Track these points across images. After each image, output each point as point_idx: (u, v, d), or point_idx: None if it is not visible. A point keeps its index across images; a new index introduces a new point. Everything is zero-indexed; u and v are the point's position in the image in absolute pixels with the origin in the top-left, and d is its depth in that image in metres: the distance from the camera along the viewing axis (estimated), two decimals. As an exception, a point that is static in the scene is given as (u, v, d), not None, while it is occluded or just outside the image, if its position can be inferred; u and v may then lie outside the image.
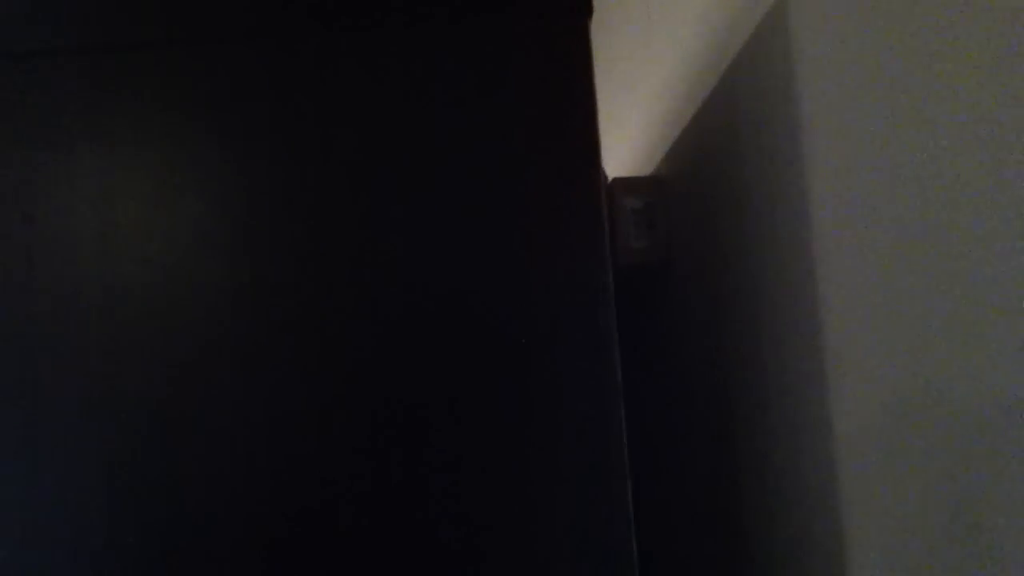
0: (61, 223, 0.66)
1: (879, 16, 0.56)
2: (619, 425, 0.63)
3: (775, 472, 0.77)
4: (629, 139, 1.37)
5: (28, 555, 0.63)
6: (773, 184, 0.75)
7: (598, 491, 0.63)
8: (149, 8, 0.68)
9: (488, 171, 0.66)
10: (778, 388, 0.75)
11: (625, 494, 0.63)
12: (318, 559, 0.63)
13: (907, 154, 0.54)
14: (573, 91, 0.66)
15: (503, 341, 0.64)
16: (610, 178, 1.10)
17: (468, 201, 0.66)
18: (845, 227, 0.62)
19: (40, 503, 0.64)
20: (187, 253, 0.66)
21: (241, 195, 0.66)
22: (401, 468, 0.63)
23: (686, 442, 1.04)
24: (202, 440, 0.64)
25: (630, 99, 1.36)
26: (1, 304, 0.66)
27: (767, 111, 0.75)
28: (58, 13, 0.68)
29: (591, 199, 0.65)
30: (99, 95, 0.67)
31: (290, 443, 0.64)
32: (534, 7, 0.67)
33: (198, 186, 0.66)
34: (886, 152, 0.56)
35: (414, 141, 0.66)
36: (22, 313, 0.65)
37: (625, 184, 1.09)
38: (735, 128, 0.83)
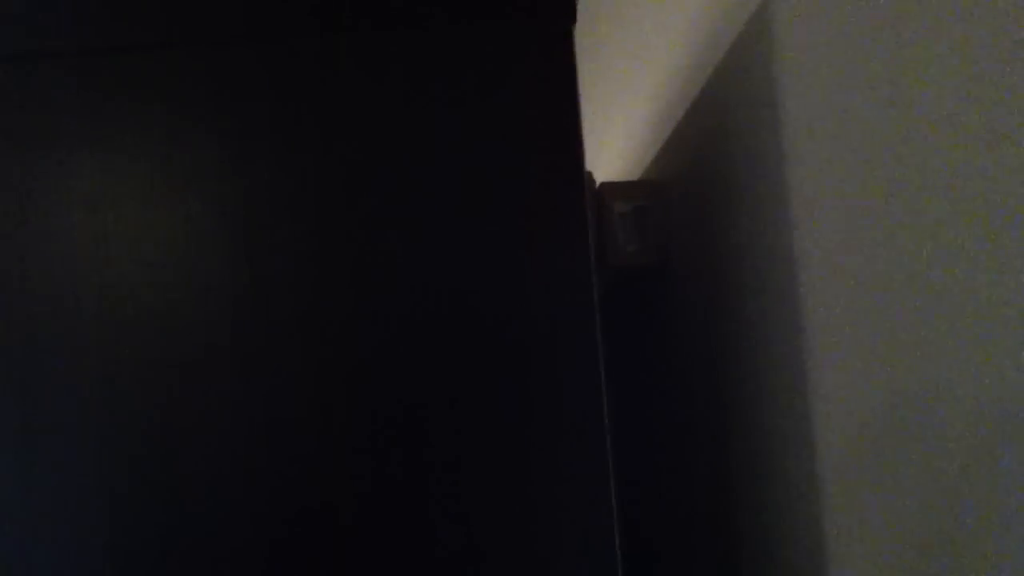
0: (57, 225, 0.67)
1: (863, 18, 0.57)
2: (601, 425, 0.64)
3: (767, 472, 0.77)
4: (619, 143, 1.37)
5: (26, 556, 0.63)
6: (761, 186, 0.75)
7: (578, 489, 0.63)
8: (145, 10, 0.68)
9: (471, 175, 0.66)
10: (769, 389, 0.76)
11: (607, 493, 0.63)
12: (317, 559, 0.63)
13: (893, 154, 0.54)
14: (557, 96, 0.66)
15: (487, 342, 0.65)
16: (599, 182, 1.10)
17: (450, 205, 0.66)
18: (833, 229, 0.63)
19: (36, 505, 0.64)
20: (184, 255, 0.66)
21: (238, 196, 0.66)
22: (392, 467, 0.64)
23: (679, 443, 1.04)
24: (199, 441, 0.64)
25: (619, 103, 1.36)
26: (-10, 309, 0.66)
27: (753, 113, 0.76)
28: (55, 15, 0.68)
29: (575, 202, 0.66)
30: (95, 97, 0.68)
31: (288, 443, 0.64)
32: (517, 13, 0.67)
33: (195, 188, 0.67)
34: (872, 152, 0.57)
35: (397, 147, 0.67)
36: (17, 315, 0.65)
37: (614, 188, 1.09)
38: (722, 131, 0.84)
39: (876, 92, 0.55)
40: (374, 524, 0.63)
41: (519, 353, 0.64)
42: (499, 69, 0.67)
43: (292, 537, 0.63)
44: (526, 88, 0.66)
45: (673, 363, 1.04)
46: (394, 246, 0.65)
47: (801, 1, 0.65)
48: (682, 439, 1.02)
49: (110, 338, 0.65)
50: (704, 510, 0.95)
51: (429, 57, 0.67)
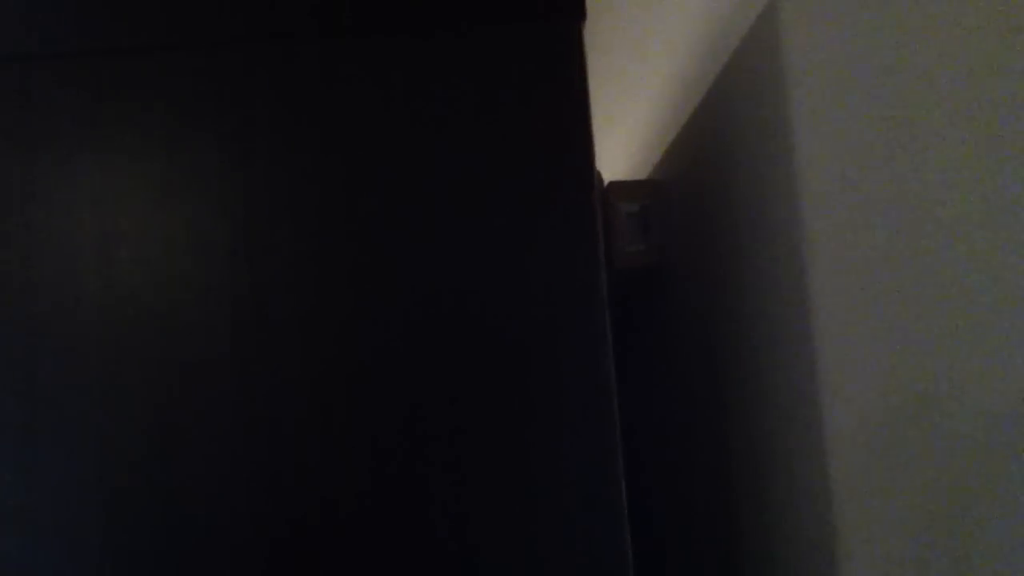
0: (58, 226, 0.67)
1: (870, 18, 0.57)
2: (613, 426, 0.63)
3: (770, 472, 0.77)
4: (626, 143, 1.37)
5: (26, 557, 0.63)
6: (767, 187, 0.75)
7: (592, 490, 0.63)
8: (146, 12, 0.68)
9: (483, 176, 0.66)
10: (773, 389, 0.75)
11: (619, 494, 0.63)
12: (316, 559, 0.63)
13: (900, 155, 0.54)
14: (567, 95, 0.66)
15: (497, 344, 0.64)
16: (606, 182, 1.10)
17: (462, 206, 0.66)
18: (839, 230, 0.62)
19: (38, 505, 0.64)
20: (185, 255, 0.66)
21: (239, 197, 0.66)
22: (398, 468, 0.64)
23: (683, 443, 1.04)
24: (200, 441, 0.64)
25: (627, 103, 1.36)
26: (0, 308, 0.66)
27: (760, 114, 0.75)
28: (57, 17, 0.68)
29: (585, 203, 0.66)
30: (97, 98, 0.68)
31: (288, 443, 0.64)
32: (527, 11, 0.67)
33: (196, 189, 0.67)
34: (879, 154, 0.57)
35: (408, 146, 0.67)
36: (21, 317, 0.65)
37: (621, 188, 1.09)
38: (729, 131, 0.84)
39: (883, 93, 0.55)
40: (372, 525, 0.63)
41: (529, 355, 0.64)
42: (508, 68, 0.67)
43: (291, 537, 0.63)
44: (536, 87, 0.66)
45: (676, 364, 1.04)
46: (401, 248, 0.65)
47: (808, 2, 0.65)
48: (685, 440, 1.02)
49: (112, 338, 0.65)
50: (708, 511, 0.95)
51: (436, 60, 0.67)
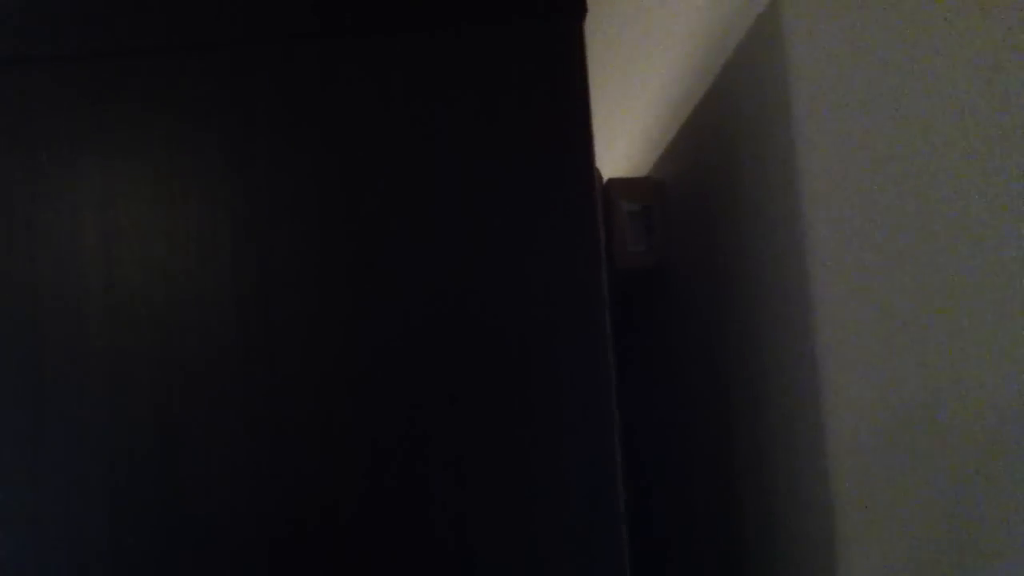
0: (61, 226, 0.66)
1: (871, 17, 0.56)
2: (612, 426, 0.63)
3: (771, 474, 0.77)
4: (627, 140, 1.37)
5: (29, 556, 0.63)
6: (768, 185, 0.75)
7: (589, 489, 0.63)
8: (148, 13, 0.68)
9: (482, 174, 0.66)
10: (775, 392, 0.75)
11: (616, 493, 0.63)
12: (317, 558, 0.63)
13: (901, 155, 0.54)
14: (567, 93, 0.66)
15: (497, 343, 0.64)
16: (606, 179, 1.09)
17: (461, 205, 0.66)
18: (840, 229, 0.62)
19: (41, 505, 0.63)
20: (187, 255, 0.66)
21: (241, 197, 0.66)
22: (398, 467, 0.63)
23: (685, 443, 1.04)
24: (202, 441, 0.64)
25: (628, 100, 1.36)
26: (3, 308, 0.65)
27: (761, 112, 0.75)
28: (60, 18, 0.68)
29: (586, 201, 0.65)
30: (99, 99, 0.67)
31: (291, 443, 0.64)
32: (528, 8, 0.67)
33: (198, 189, 0.66)
34: (881, 153, 0.56)
35: (408, 146, 0.66)
36: (22, 315, 0.65)
37: (622, 185, 1.09)
38: (730, 129, 0.83)
39: (884, 90, 0.55)
40: (373, 523, 0.63)
41: (528, 354, 0.64)
42: (508, 67, 0.66)
43: (293, 537, 0.63)
44: (536, 86, 0.66)
45: (679, 365, 1.04)
46: (401, 247, 0.65)
47: (809, 0, 0.64)
48: (687, 440, 1.01)
49: (115, 338, 0.65)
50: (709, 512, 0.94)
51: (435, 59, 0.67)
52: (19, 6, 0.68)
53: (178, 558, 0.63)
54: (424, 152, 0.66)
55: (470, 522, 0.63)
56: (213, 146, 0.66)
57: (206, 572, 0.62)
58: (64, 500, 0.63)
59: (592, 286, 0.64)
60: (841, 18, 0.60)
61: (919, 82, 0.51)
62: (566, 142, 0.65)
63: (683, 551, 1.06)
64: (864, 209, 0.58)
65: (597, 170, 1.11)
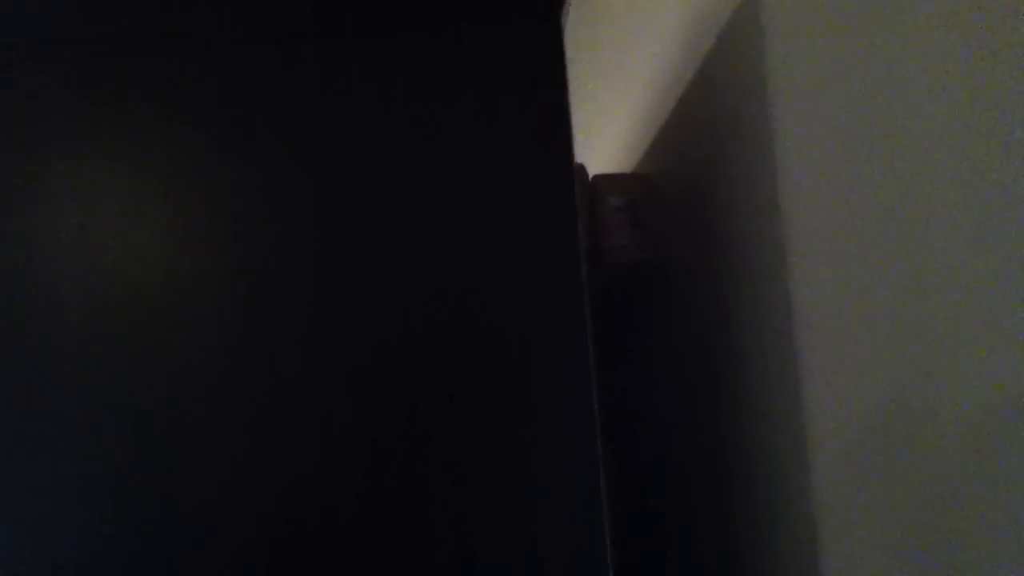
0: (43, 219, 0.66)
1: (849, 9, 0.56)
2: (593, 419, 0.63)
3: (755, 470, 0.77)
4: (613, 136, 1.37)
5: (18, 557, 0.63)
6: (747, 178, 0.74)
7: (567, 485, 0.62)
8: (137, 6, 0.68)
9: (461, 172, 0.65)
10: (763, 386, 0.75)
11: (598, 485, 0.62)
12: (315, 559, 0.63)
13: (881, 147, 0.54)
14: (547, 90, 0.66)
15: (477, 338, 0.64)
16: (593, 175, 1.09)
17: (440, 202, 0.65)
18: (820, 223, 0.62)
19: (23, 505, 0.63)
20: (171, 249, 0.65)
21: (226, 192, 0.66)
22: (377, 462, 0.63)
23: (675, 438, 1.03)
24: (185, 439, 0.63)
25: (614, 96, 1.36)
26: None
27: (742, 104, 0.75)
28: (44, 7, 0.68)
29: (566, 197, 0.65)
30: (83, 91, 0.67)
31: (274, 442, 0.63)
32: (507, 8, 0.66)
33: (183, 183, 0.66)
34: (860, 144, 0.56)
35: (387, 145, 0.66)
36: (22, 316, 0.65)
37: (608, 181, 1.08)
38: (712, 122, 0.83)
39: (863, 83, 0.54)
40: (363, 525, 0.63)
41: (508, 348, 0.64)
42: (488, 65, 0.66)
43: (293, 537, 0.63)
44: (516, 83, 0.66)
45: (668, 359, 1.04)
46: (381, 243, 0.65)
47: (791, -11, 0.64)
48: (678, 435, 1.01)
49: (96, 332, 0.64)
50: (698, 508, 0.94)
51: (414, 59, 0.66)
52: None
53: (178, 558, 0.62)
54: (402, 150, 0.66)
55: (442, 516, 0.62)
56: (199, 139, 0.66)
57: (206, 572, 0.62)
58: (44, 500, 0.63)
59: (572, 282, 0.64)
60: (819, 9, 0.60)
61: (897, 73, 0.51)
62: (546, 139, 0.65)
63: (673, 545, 1.06)
64: (844, 202, 0.58)
65: (583, 166, 1.11)
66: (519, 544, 0.62)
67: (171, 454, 0.63)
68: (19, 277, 0.65)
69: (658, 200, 1.05)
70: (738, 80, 0.75)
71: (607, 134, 1.42)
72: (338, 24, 0.67)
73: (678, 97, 0.96)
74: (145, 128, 0.66)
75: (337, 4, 0.67)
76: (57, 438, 0.64)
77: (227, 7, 0.67)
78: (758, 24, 0.70)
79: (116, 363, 0.64)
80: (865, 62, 0.54)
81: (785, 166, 0.67)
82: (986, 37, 0.43)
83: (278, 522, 0.62)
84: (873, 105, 0.54)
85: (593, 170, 1.52)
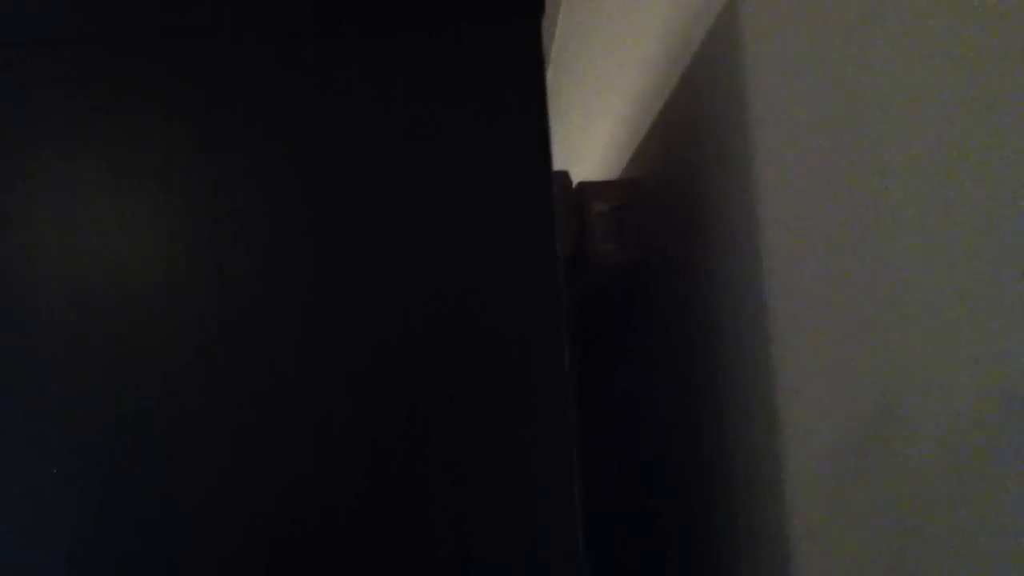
0: (21, 217, 0.66)
1: (826, 14, 0.57)
2: (571, 424, 0.64)
3: (733, 473, 0.77)
4: (600, 143, 1.38)
5: (20, 560, 0.63)
6: (727, 183, 0.75)
7: (544, 484, 0.63)
8: (108, 3, 0.68)
9: (440, 175, 0.66)
10: (742, 391, 0.76)
11: (572, 488, 0.63)
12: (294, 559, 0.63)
13: (859, 151, 0.55)
14: (525, 93, 0.67)
15: (453, 338, 0.65)
16: (578, 182, 1.10)
17: (420, 205, 0.66)
18: (799, 226, 0.63)
19: (10, 504, 0.64)
20: (151, 247, 0.66)
21: (206, 190, 0.66)
22: (347, 460, 0.64)
23: (657, 441, 1.04)
24: (166, 441, 0.64)
25: (600, 103, 1.37)
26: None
27: (722, 110, 0.76)
28: (22, 4, 0.68)
29: (543, 199, 0.66)
30: (62, 87, 0.68)
31: (254, 442, 0.64)
32: (485, 10, 0.67)
33: (163, 180, 0.67)
34: (837, 149, 0.57)
35: (367, 146, 0.67)
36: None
37: (593, 188, 1.09)
38: (693, 129, 0.84)
39: (842, 88, 0.55)
40: (334, 520, 0.63)
41: (485, 349, 0.64)
42: (465, 68, 0.67)
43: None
44: (494, 86, 0.67)
45: (655, 361, 1.05)
46: (360, 244, 0.66)
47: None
48: (660, 438, 1.02)
49: (76, 331, 0.65)
50: (679, 510, 0.95)
51: (390, 60, 0.67)
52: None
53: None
54: (381, 151, 0.66)
55: (417, 517, 0.63)
56: (179, 136, 0.67)
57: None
58: (30, 500, 0.64)
59: (549, 284, 0.65)
60: (798, 14, 0.61)
61: (875, 80, 0.52)
62: (523, 142, 0.66)
63: (653, 547, 1.06)
64: (821, 206, 0.59)
65: (567, 173, 1.12)
66: (490, 545, 0.63)
67: (168, 456, 0.64)
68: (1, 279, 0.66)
69: (642, 205, 1.06)
70: (718, 88, 0.76)
71: (593, 142, 1.43)
72: (305, 25, 0.68)
73: (661, 105, 0.97)
74: (115, 121, 0.67)
75: (304, 5, 0.68)
76: (42, 442, 0.64)
77: (208, 8, 0.68)
78: (737, 34, 0.71)
79: (107, 365, 0.65)
80: (841, 70, 0.55)
81: (763, 171, 0.68)
82: (961, 45, 0.44)
83: (278, 522, 0.63)
84: (849, 111, 0.55)
85: (580, 177, 1.53)
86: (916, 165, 0.47)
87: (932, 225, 0.46)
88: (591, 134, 1.46)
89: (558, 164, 1.87)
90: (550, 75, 2.10)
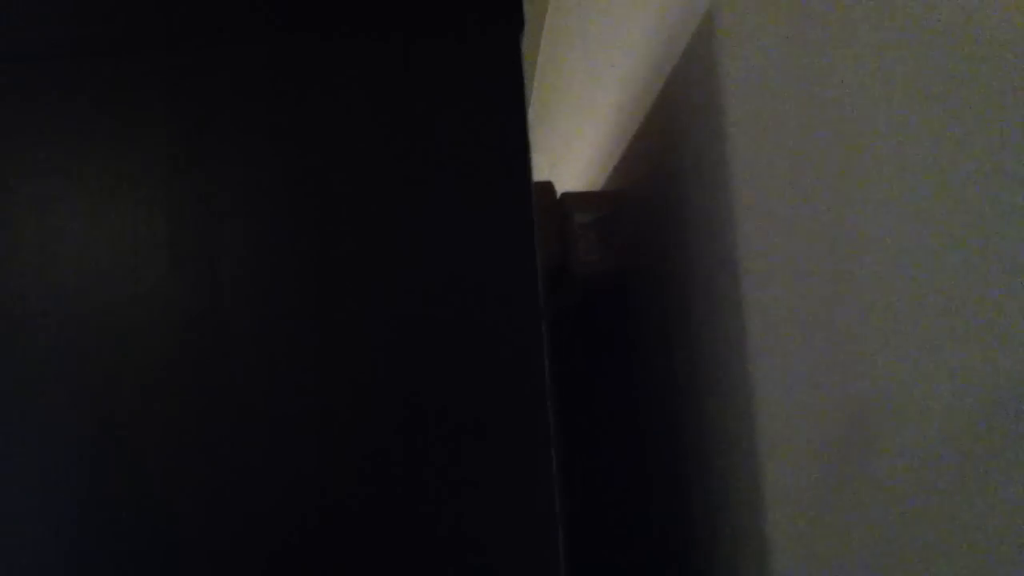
0: (4, 227, 0.67)
1: (804, 32, 0.58)
2: (546, 430, 0.64)
3: (718, 477, 0.78)
4: (585, 154, 1.39)
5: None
6: (706, 194, 0.76)
7: (522, 490, 0.64)
8: (93, 11, 0.69)
9: (415, 182, 0.67)
10: (722, 399, 0.76)
11: (551, 497, 0.64)
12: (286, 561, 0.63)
13: (837, 158, 0.55)
14: (503, 102, 0.67)
15: (435, 347, 0.65)
16: (561, 193, 1.11)
17: (396, 214, 0.67)
18: (779, 236, 0.63)
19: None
20: (131, 256, 0.66)
21: (186, 198, 0.67)
22: (312, 464, 0.64)
23: (639, 449, 1.05)
24: (142, 448, 0.64)
25: (584, 115, 1.38)
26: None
27: (700, 123, 0.77)
28: (2, 19, 0.69)
29: (521, 209, 0.67)
30: (41, 97, 0.68)
31: (230, 446, 0.64)
32: (464, 20, 0.68)
33: (143, 189, 0.67)
34: (817, 157, 0.58)
35: (337, 157, 0.67)
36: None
37: (576, 198, 1.10)
38: (673, 141, 0.85)
39: (819, 101, 0.56)
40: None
41: (464, 356, 0.65)
42: (446, 78, 0.68)
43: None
44: (474, 96, 0.67)
45: (636, 372, 1.05)
46: (342, 251, 0.66)
47: (742, 14, 0.66)
48: (642, 446, 1.03)
49: (55, 341, 0.65)
50: (664, 513, 0.95)
51: (375, 68, 0.68)
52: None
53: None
54: (363, 159, 0.67)
55: (393, 519, 0.63)
56: (159, 145, 0.67)
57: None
58: (13, 510, 0.64)
59: (529, 295, 0.66)
60: (773, 28, 0.62)
61: (852, 92, 0.53)
62: (502, 153, 0.67)
63: (638, 551, 1.07)
64: (799, 215, 0.60)
65: (551, 184, 1.13)
66: (465, 546, 0.63)
67: (152, 464, 0.64)
68: (-13, 281, 0.66)
69: (625, 216, 1.07)
70: (696, 101, 0.77)
71: (578, 153, 1.44)
72: (296, 23, 0.68)
73: (642, 118, 0.98)
74: (95, 130, 0.68)
75: (287, 4, 0.69)
76: (26, 449, 0.64)
77: (190, 13, 0.69)
78: (714, 48, 0.72)
79: (93, 372, 0.65)
80: (816, 82, 0.56)
81: (742, 182, 0.69)
82: (933, 57, 0.45)
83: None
84: (824, 122, 0.55)
85: (565, 188, 1.54)
86: (891, 173, 0.48)
87: (908, 233, 0.47)
88: (576, 145, 1.47)
89: (542, 175, 1.88)
90: (535, 86, 2.11)
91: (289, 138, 0.67)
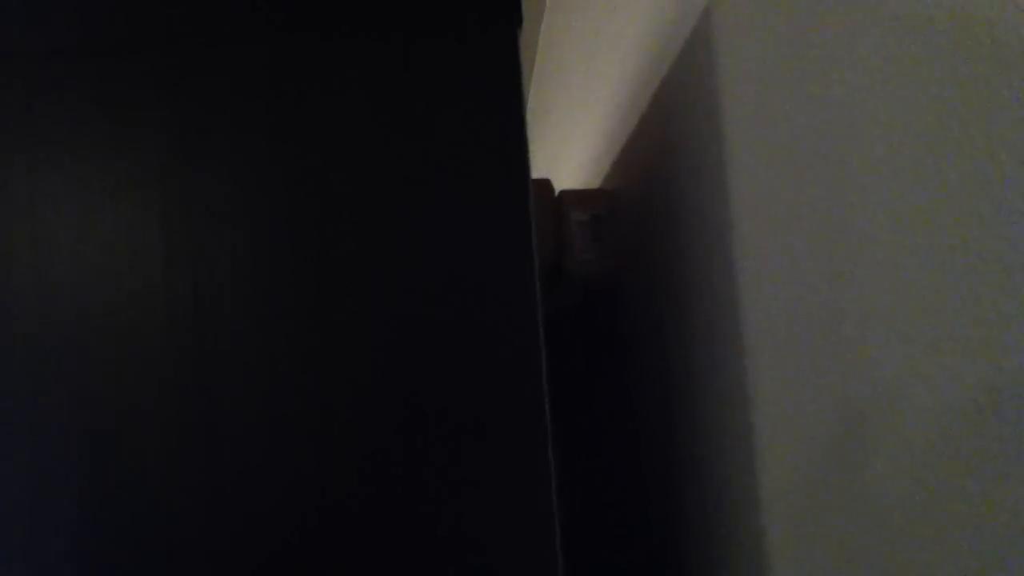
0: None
1: (797, 35, 0.58)
2: (544, 430, 0.64)
3: (704, 478, 0.78)
4: (582, 153, 1.39)
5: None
6: (700, 194, 0.76)
7: (520, 490, 0.64)
8: (85, 11, 0.69)
9: (413, 179, 0.67)
10: (715, 399, 0.77)
11: (550, 496, 0.64)
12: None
13: (829, 162, 0.56)
14: (501, 100, 0.67)
15: (432, 344, 0.65)
16: (559, 190, 1.11)
17: (393, 212, 0.67)
18: (771, 236, 0.64)
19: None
20: (123, 257, 0.66)
21: (177, 199, 0.67)
22: (309, 471, 0.64)
23: (633, 448, 1.05)
24: (117, 451, 0.64)
25: (582, 113, 1.38)
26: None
27: (694, 124, 0.77)
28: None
29: (520, 207, 0.67)
30: (33, 97, 0.68)
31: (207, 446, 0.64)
32: (464, 19, 0.68)
33: (136, 190, 0.67)
34: (811, 158, 0.58)
35: (346, 154, 0.67)
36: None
37: (574, 196, 1.11)
38: (668, 141, 0.85)
39: (812, 103, 0.56)
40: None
41: (456, 361, 0.65)
42: (445, 76, 0.68)
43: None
44: (472, 94, 0.67)
45: (632, 371, 1.06)
46: (341, 251, 0.66)
47: (739, 13, 0.66)
48: (638, 445, 1.03)
49: (53, 341, 0.65)
50: (657, 515, 0.96)
51: (374, 66, 0.68)
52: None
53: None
54: (363, 157, 0.67)
55: (388, 519, 0.64)
56: (151, 145, 0.67)
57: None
58: (14, 511, 0.64)
59: (527, 293, 0.66)
60: (770, 29, 0.62)
61: (844, 96, 0.53)
62: (501, 150, 0.67)
63: (634, 551, 1.07)
64: (795, 216, 0.60)
65: (549, 182, 1.13)
66: (462, 544, 0.63)
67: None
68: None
69: (621, 214, 1.07)
70: (692, 100, 0.78)
71: (575, 152, 1.44)
72: (294, 22, 0.68)
73: (639, 117, 0.98)
74: (86, 131, 0.67)
75: (260, 15, 0.69)
76: (15, 451, 0.64)
77: (177, 13, 0.69)
78: (711, 49, 0.72)
79: (81, 375, 0.65)
80: (812, 83, 0.56)
81: (737, 182, 0.69)
82: (932, 61, 0.45)
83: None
84: (821, 123, 0.56)
85: (562, 186, 1.54)
86: (887, 176, 0.48)
87: (903, 235, 0.47)
88: (574, 143, 1.47)
89: (541, 172, 1.88)
90: (534, 84, 2.11)
91: (289, 138, 0.67)
